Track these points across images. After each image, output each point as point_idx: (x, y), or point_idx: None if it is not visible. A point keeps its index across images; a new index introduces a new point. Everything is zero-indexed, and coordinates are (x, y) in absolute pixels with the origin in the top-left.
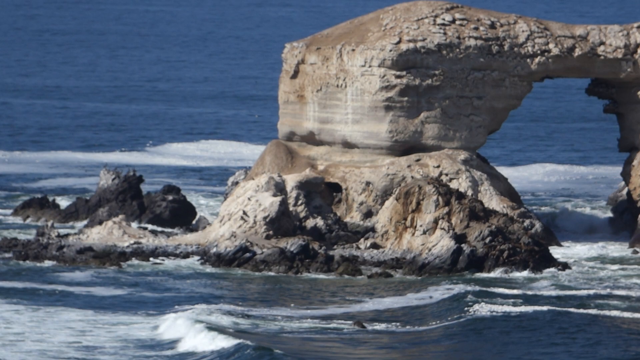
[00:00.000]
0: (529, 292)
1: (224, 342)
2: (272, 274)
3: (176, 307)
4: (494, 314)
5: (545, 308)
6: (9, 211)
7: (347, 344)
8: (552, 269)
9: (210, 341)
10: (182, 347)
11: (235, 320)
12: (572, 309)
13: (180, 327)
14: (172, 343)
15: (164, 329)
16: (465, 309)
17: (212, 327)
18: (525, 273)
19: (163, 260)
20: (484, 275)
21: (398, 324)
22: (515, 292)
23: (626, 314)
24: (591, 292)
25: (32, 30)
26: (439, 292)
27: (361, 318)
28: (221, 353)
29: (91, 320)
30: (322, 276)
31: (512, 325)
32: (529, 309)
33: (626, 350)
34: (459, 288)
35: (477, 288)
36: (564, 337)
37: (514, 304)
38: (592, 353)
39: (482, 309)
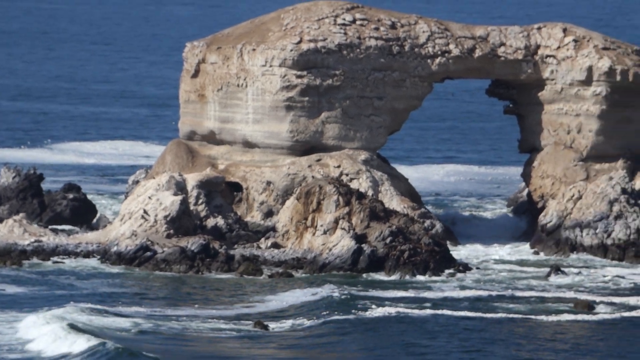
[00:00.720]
0: (428, 294)
1: (79, 343)
2: (173, 273)
3: (45, 307)
4: (391, 314)
5: (441, 311)
6: None
7: (246, 344)
8: (452, 270)
9: (63, 342)
10: (33, 348)
11: (102, 319)
12: (470, 312)
13: (35, 327)
14: (24, 344)
15: (21, 329)
16: (362, 309)
17: (72, 328)
18: (424, 276)
19: (64, 259)
20: (384, 277)
21: (298, 323)
22: (413, 294)
23: (526, 316)
24: (492, 293)
25: None
26: (336, 292)
27: (262, 318)
28: (71, 354)
29: None
30: (222, 275)
31: (409, 327)
32: (427, 312)
33: (519, 351)
34: (356, 289)
35: (374, 290)
36: (461, 338)
37: (413, 306)
38: (487, 355)
39: (378, 310)
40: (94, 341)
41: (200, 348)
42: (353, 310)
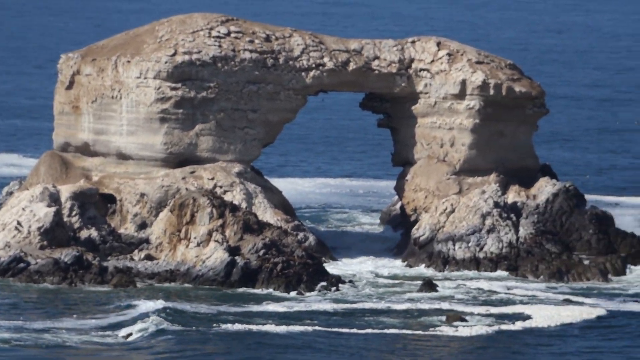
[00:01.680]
0: (300, 307)
1: None
2: (47, 285)
3: None
4: (251, 330)
5: (311, 328)
6: None
7: (116, 355)
8: (325, 284)
9: None
10: None
11: None
12: (342, 328)
13: None
14: None
15: None
16: (225, 325)
17: None
18: (296, 291)
19: None
20: (257, 291)
21: (174, 334)
22: (285, 308)
23: (399, 330)
24: (365, 306)
25: None
26: (206, 306)
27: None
28: None
29: None
30: (96, 288)
31: (283, 343)
32: (296, 328)
33: None
34: (224, 306)
35: (243, 305)
36: (334, 353)
37: (281, 322)
38: None
39: (236, 325)
40: None
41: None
42: (215, 325)
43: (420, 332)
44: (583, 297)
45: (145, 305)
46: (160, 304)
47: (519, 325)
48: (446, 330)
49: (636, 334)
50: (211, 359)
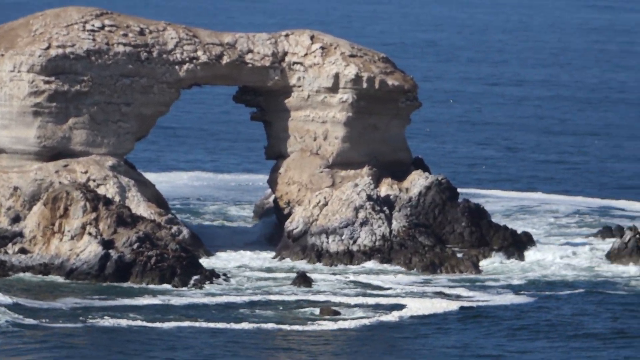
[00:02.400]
0: (175, 301)
1: None
2: None
3: None
4: (129, 325)
5: (186, 323)
6: None
7: None
8: (199, 277)
9: None
10: None
11: None
12: (218, 323)
13: None
14: None
15: None
16: (93, 320)
17: None
18: (170, 284)
19: None
20: (129, 284)
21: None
22: (159, 302)
23: (274, 324)
24: (239, 300)
25: None
26: (75, 300)
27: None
28: None
29: None
30: None
31: (155, 338)
32: (170, 324)
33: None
34: (92, 300)
35: (116, 299)
36: (209, 348)
37: (155, 317)
38: None
39: (110, 320)
40: None
41: None
42: (82, 319)
43: (297, 326)
44: (457, 289)
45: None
46: (13, 298)
47: (395, 317)
48: (324, 324)
49: (511, 325)
50: (74, 354)
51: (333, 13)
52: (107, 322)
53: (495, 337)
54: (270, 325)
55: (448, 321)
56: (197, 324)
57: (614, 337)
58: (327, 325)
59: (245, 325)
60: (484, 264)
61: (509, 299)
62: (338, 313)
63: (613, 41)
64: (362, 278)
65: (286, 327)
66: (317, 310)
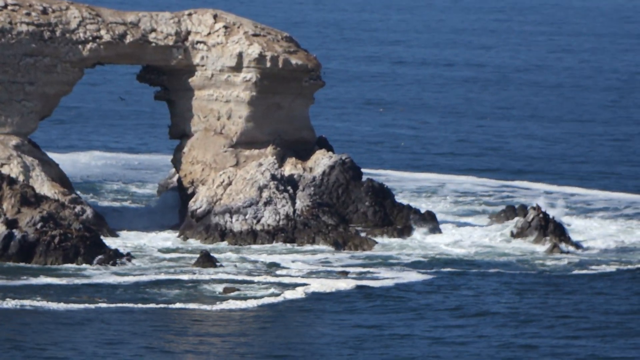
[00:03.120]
0: (80, 281)
1: None
2: None
3: None
4: (24, 306)
5: (93, 305)
6: None
7: None
8: (103, 257)
9: None
10: None
11: None
12: (125, 303)
13: None
14: None
15: None
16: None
17: None
18: (74, 263)
19: None
20: (35, 265)
21: None
22: (65, 282)
23: (184, 304)
24: (142, 280)
25: None
26: None
27: None
28: None
29: None
30: None
31: (60, 320)
32: (72, 305)
33: (172, 342)
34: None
35: (20, 278)
36: (100, 329)
37: (60, 298)
38: (124, 346)
39: (12, 302)
40: None
41: None
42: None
43: (204, 305)
44: (359, 268)
45: None
46: None
47: (299, 295)
48: (228, 303)
49: (416, 305)
50: None
51: None
52: (9, 303)
53: (401, 316)
54: (176, 305)
55: (352, 299)
56: (103, 305)
57: (516, 316)
58: (232, 304)
59: (151, 305)
60: (386, 243)
61: (412, 277)
62: (238, 290)
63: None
64: (266, 257)
65: (192, 306)
66: (221, 290)
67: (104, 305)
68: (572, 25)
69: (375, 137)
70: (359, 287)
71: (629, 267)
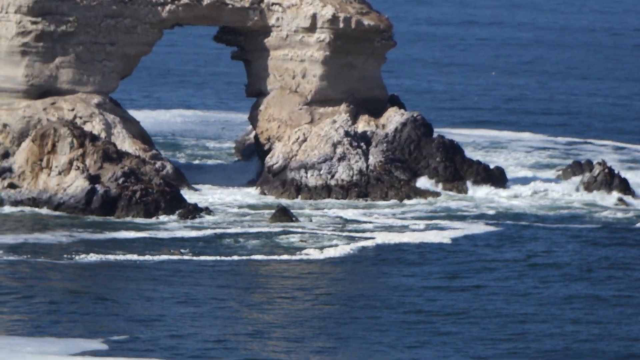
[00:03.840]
0: (162, 235)
1: None
2: None
3: None
4: (117, 259)
5: (176, 257)
6: None
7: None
8: (182, 211)
9: None
10: None
11: None
12: (208, 256)
13: None
14: None
15: None
16: (80, 254)
17: None
18: (155, 217)
19: None
20: (117, 219)
21: (27, 256)
22: (147, 235)
23: (264, 256)
24: (222, 232)
25: None
26: (60, 235)
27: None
28: None
29: None
30: None
31: (138, 271)
32: (156, 257)
33: (252, 294)
34: (79, 233)
35: (104, 233)
36: (202, 280)
37: (144, 251)
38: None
39: (96, 255)
40: None
41: None
42: (65, 255)
43: (282, 256)
44: (430, 221)
45: None
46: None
47: (372, 247)
48: (306, 254)
49: (486, 257)
50: (57, 287)
51: None
52: (94, 256)
53: (471, 267)
54: (259, 256)
55: (423, 251)
56: (185, 257)
57: (582, 267)
58: (308, 256)
59: (231, 258)
60: (456, 196)
61: (481, 228)
62: (316, 244)
63: None
64: (339, 211)
65: (270, 257)
66: (297, 242)
67: (185, 257)
68: None
69: (444, 95)
70: (428, 239)
71: None
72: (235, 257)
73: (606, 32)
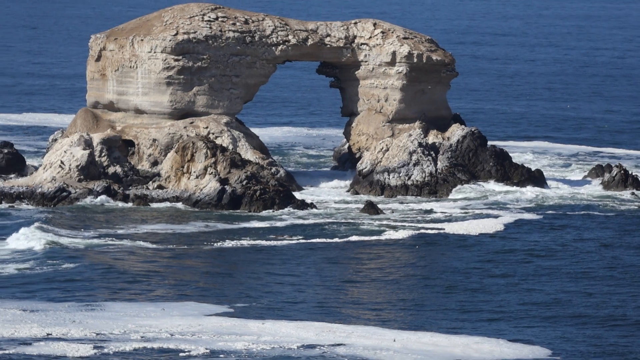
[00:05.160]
0: (275, 224)
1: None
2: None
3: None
4: (243, 245)
5: (294, 240)
6: None
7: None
8: (292, 206)
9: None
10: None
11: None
12: (316, 239)
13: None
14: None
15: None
16: (217, 242)
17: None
18: (271, 210)
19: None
20: (242, 212)
21: (174, 245)
22: (267, 224)
23: (359, 237)
24: (322, 222)
25: None
26: (199, 225)
27: (151, 239)
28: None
29: None
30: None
31: (276, 257)
32: (274, 242)
33: (361, 269)
34: (214, 224)
35: (233, 223)
36: (314, 259)
37: (262, 237)
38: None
39: (228, 241)
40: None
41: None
42: (205, 241)
43: (373, 237)
44: (485, 210)
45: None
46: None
47: (442, 232)
48: (389, 237)
49: (526, 244)
50: (196, 270)
51: (391, 6)
52: (229, 243)
53: (519, 249)
54: (356, 238)
55: (481, 236)
56: (294, 241)
57: (601, 244)
58: (391, 239)
59: (337, 240)
60: (505, 191)
61: (528, 217)
62: (397, 230)
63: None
64: (415, 205)
65: (368, 238)
66: (383, 228)
67: (295, 241)
68: None
69: (495, 114)
70: (484, 226)
71: None
72: (335, 240)
73: None
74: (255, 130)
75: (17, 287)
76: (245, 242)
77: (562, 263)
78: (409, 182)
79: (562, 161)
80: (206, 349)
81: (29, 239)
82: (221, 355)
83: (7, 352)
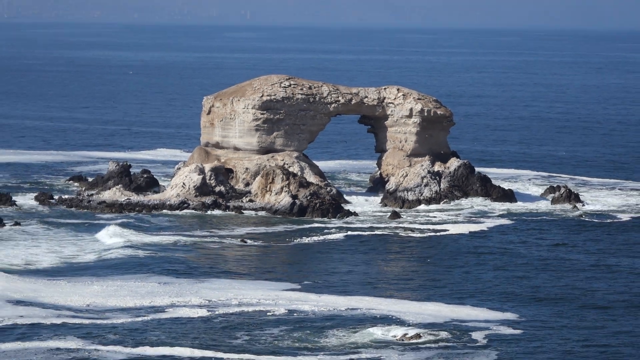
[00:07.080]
0: (330, 225)
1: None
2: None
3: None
4: (310, 242)
5: (347, 233)
6: (62, 181)
7: (226, 253)
8: (342, 214)
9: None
10: (100, 239)
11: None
12: (363, 232)
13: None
14: (96, 237)
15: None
16: (296, 239)
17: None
18: (327, 217)
19: (141, 209)
20: (307, 218)
21: (260, 241)
22: (322, 225)
23: (391, 231)
24: (365, 225)
25: None
26: (278, 227)
27: (245, 237)
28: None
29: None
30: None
31: (331, 249)
32: (337, 235)
33: (385, 259)
34: (288, 226)
35: (304, 224)
36: (365, 248)
37: (321, 234)
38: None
39: (297, 239)
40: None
41: (210, 255)
42: (287, 240)
43: (400, 233)
44: (474, 217)
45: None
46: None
47: (449, 231)
48: (411, 233)
49: (503, 236)
50: (276, 261)
51: (410, 77)
52: (303, 240)
53: (493, 246)
54: (389, 232)
55: (473, 236)
56: (348, 233)
57: (554, 241)
58: (410, 235)
59: (377, 232)
60: (485, 204)
61: (503, 222)
62: (414, 229)
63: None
64: (426, 213)
65: (391, 232)
66: (404, 227)
67: (343, 238)
68: None
69: (479, 149)
70: (474, 227)
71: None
72: (371, 236)
73: None
74: (316, 162)
75: (153, 266)
76: (308, 240)
77: (525, 253)
78: (422, 197)
79: (527, 183)
80: (284, 309)
81: (162, 237)
82: (295, 314)
83: (147, 317)
